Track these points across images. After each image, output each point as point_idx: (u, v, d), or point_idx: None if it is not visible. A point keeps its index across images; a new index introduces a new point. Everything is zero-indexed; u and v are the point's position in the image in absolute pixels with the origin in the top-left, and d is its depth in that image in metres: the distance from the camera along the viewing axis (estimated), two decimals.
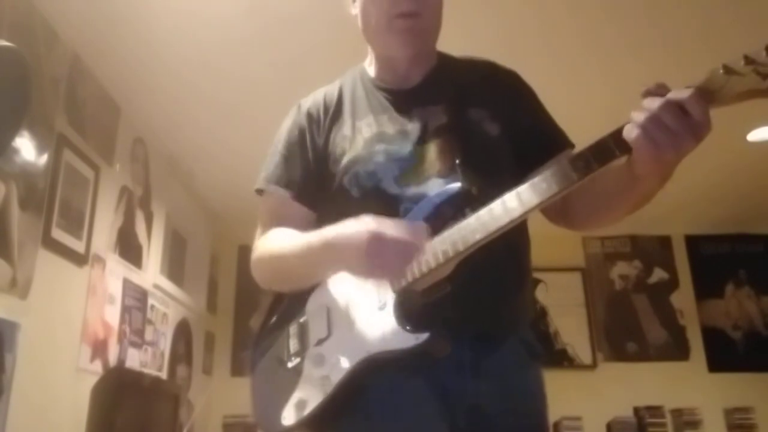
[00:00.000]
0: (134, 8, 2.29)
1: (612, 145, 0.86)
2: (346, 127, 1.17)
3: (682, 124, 0.80)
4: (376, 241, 0.93)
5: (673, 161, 0.85)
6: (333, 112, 1.20)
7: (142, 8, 2.29)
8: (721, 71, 0.80)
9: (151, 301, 3.19)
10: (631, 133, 0.83)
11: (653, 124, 0.81)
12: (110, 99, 2.81)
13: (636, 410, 4.18)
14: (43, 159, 2.23)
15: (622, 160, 0.88)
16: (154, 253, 3.29)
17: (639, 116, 0.83)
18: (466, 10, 2.25)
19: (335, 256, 0.99)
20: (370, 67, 1.26)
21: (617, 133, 0.85)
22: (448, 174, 1.06)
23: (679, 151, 0.82)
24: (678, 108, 0.80)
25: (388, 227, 0.94)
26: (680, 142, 0.81)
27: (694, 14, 2.39)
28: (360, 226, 0.96)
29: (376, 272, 0.96)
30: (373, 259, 0.93)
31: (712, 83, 0.81)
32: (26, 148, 2.12)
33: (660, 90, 0.84)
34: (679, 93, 0.81)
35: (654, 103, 0.82)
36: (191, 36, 2.46)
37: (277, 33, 2.47)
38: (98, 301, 2.60)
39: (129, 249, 2.96)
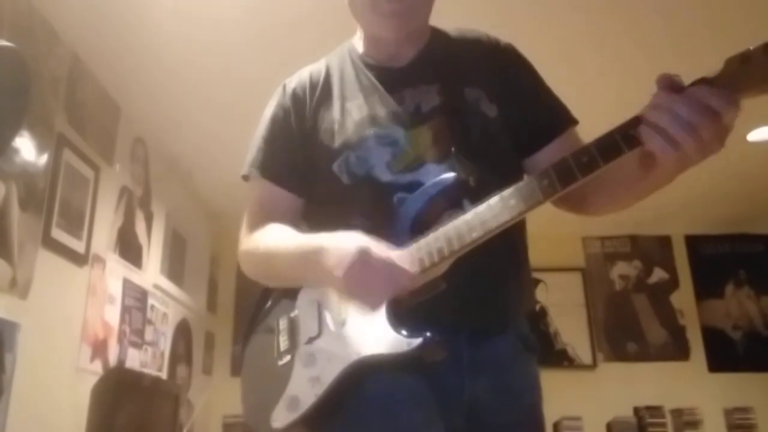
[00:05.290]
0: (134, 9, 2.29)
1: (619, 141, 0.79)
2: (334, 109, 1.10)
3: (717, 132, 0.74)
4: (361, 261, 0.87)
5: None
6: (320, 93, 1.13)
7: (142, 9, 2.29)
8: (739, 60, 0.73)
9: (151, 301, 3.19)
10: (657, 143, 0.76)
11: (690, 134, 0.74)
12: (110, 99, 2.81)
13: (636, 410, 4.17)
14: (43, 159, 2.23)
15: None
16: (154, 253, 3.29)
17: (665, 120, 0.75)
18: (467, 3, 2.24)
19: (318, 269, 0.93)
20: (360, 43, 1.18)
21: (624, 128, 0.79)
22: (443, 160, 1.00)
23: (706, 156, 0.77)
24: (714, 114, 0.73)
25: (379, 249, 0.88)
26: (711, 150, 0.76)
27: (701, 4, 2.37)
28: (349, 242, 0.89)
29: (355, 294, 0.90)
30: (353, 280, 0.88)
31: (728, 74, 0.74)
32: (26, 148, 2.12)
33: (676, 82, 0.77)
34: (704, 94, 0.74)
35: (691, 111, 0.74)
36: (191, 37, 2.46)
37: (277, 35, 2.47)
38: (98, 301, 2.60)
39: (129, 249, 2.96)
